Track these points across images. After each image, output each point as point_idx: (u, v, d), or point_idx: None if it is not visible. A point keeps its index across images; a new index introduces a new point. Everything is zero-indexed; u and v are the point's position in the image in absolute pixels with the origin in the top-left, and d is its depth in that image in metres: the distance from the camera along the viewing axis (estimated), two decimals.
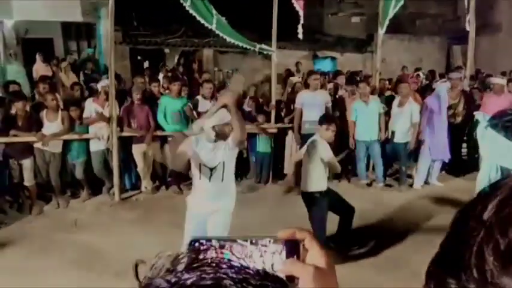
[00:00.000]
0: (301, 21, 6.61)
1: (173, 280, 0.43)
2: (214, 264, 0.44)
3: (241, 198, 5.76)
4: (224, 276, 0.42)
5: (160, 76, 8.11)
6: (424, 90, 7.45)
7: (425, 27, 15.03)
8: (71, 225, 5.08)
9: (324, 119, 4.22)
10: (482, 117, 1.27)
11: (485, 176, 1.23)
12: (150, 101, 6.31)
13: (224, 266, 0.44)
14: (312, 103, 6.17)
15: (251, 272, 0.45)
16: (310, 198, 4.10)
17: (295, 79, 7.47)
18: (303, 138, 6.33)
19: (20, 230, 4.98)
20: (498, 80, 6.35)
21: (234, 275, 0.43)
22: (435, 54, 14.77)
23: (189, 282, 0.42)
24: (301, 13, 6.58)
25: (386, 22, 6.98)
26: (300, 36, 6.66)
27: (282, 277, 0.48)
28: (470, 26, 7.21)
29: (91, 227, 5.03)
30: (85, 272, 3.96)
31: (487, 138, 1.23)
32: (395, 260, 4.23)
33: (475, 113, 1.32)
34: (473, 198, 0.46)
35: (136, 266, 0.46)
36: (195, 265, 0.45)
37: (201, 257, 0.46)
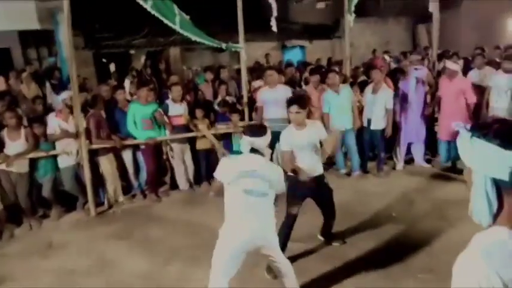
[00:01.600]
0: (275, 14, 6.45)
1: None
2: None
3: (217, 201, 5.67)
4: None
5: (127, 82, 7.79)
6: (394, 73, 7.44)
7: (389, 9, 15.10)
8: (46, 247, 4.86)
9: (287, 103, 3.99)
10: (463, 128, 1.18)
11: (481, 191, 1.14)
12: (116, 108, 6.11)
13: None
14: (272, 100, 5.97)
15: None
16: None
17: (258, 83, 7.25)
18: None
19: None
20: (449, 65, 6.18)
21: None
22: (401, 35, 14.93)
23: None
24: (274, 5, 6.41)
25: (353, 8, 6.93)
26: (274, 28, 6.48)
27: None
28: (433, 7, 7.23)
29: (68, 247, 4.82)
30: None
31: (476, 149, 1.13)
32: (379, 251, 4.23)
33: (453, 124, 1.22)
34: None
35: None
36: None
37: None
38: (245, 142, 3.12)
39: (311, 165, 3.89)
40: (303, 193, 3.94)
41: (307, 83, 7.07)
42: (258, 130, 3.14)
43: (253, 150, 3.09)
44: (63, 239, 5.04)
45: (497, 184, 1.11)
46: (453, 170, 6.22)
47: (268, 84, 6.16)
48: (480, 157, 1.12)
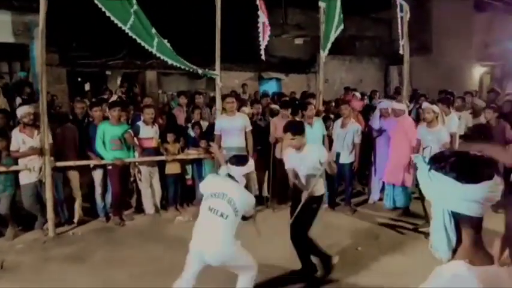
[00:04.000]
0: (265, 43, 6.52)
1: None
2: None
3: (182, 227, 5.54)
4: None
5: (114, 98, 7.64)
6: (367, 111, 7.65)
7: (364, 49, 15.74)
8: None
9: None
10: (421, 160, 1.18)
11: (440, 225, 1.12)
12: (91, 125, 5.99)
13: None
14: (229, 129, 5.97)
15: None
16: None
17: (247, 109, 7.26)
18: None
19: None
20: (395, 105, 6.31)
21: None
22: (374, 75, 15.48)
23: None
24: (264, 34, 6.46)
25: (328, 46, 7.16)
26: (263, 57, 6.56)
27: None
28: (404, 50, 7.57)
29: (20, 269, 4.56)
30: None
31: (434, 183, 1.12)
32: (344, 285, 4.19)
33: (412, 156, 1.24)
34: None
35: None
36: None
37: None
38: (225, 168, 3.48)
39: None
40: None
41: (274, 114, 7.13)
42: (237, 160, 3.44)
43: (230, 176, 3.37)
44: (16, 260, 4.78)
45: (456, 218, 1.10)
46: (407, 215, 6.02)
47: (226, 112, 6.13)
48: (438, 190, 1.12)
